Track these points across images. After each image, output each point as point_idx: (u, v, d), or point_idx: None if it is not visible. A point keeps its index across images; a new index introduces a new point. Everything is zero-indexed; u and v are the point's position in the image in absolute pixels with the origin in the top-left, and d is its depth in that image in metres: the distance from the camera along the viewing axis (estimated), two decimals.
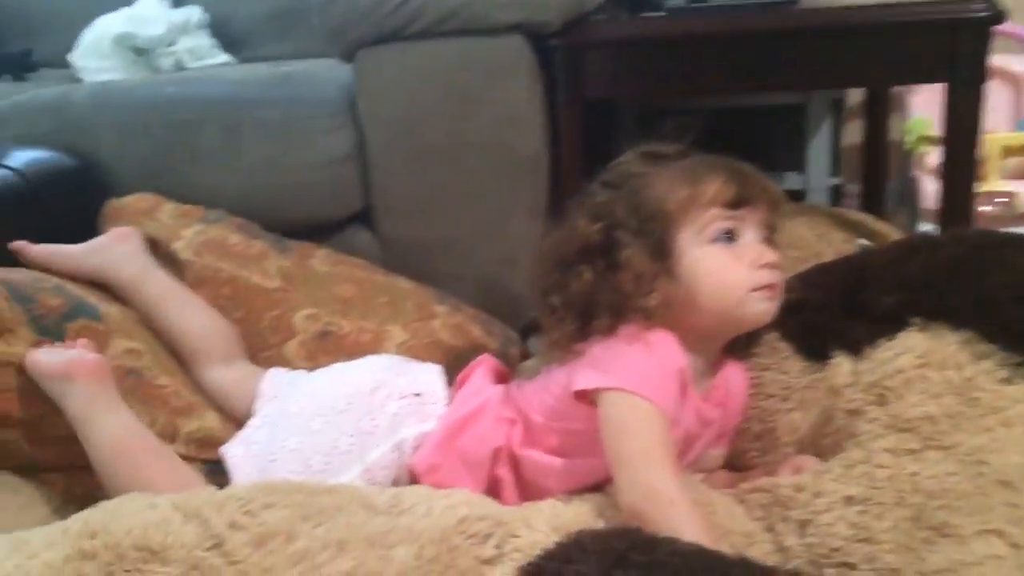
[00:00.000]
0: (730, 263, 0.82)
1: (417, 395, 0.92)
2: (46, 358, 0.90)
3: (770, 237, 0.86)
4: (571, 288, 0.84)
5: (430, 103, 1.25)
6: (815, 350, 0.89)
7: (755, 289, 0.82)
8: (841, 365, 0.85)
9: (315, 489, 0.75)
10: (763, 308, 0.84)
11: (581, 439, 0.82)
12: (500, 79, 1.23)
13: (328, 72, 1.35)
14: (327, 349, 1.08)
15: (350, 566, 0.67)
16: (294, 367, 1.06)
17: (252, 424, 0.95)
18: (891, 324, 0.83)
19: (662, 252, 0.82)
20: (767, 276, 0.83)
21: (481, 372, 0.96)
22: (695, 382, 0.85)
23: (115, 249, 1.08)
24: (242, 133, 1.25)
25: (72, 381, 0.88)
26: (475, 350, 1.16)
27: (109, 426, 0.88)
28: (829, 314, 0.89)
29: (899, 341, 0.82)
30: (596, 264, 0.83)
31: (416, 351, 1.11)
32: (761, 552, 0.75)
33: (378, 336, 1.11)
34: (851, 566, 0.69)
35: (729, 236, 0.83)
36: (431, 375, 0.96)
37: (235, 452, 0.92)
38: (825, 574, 0.71)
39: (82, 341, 0.93)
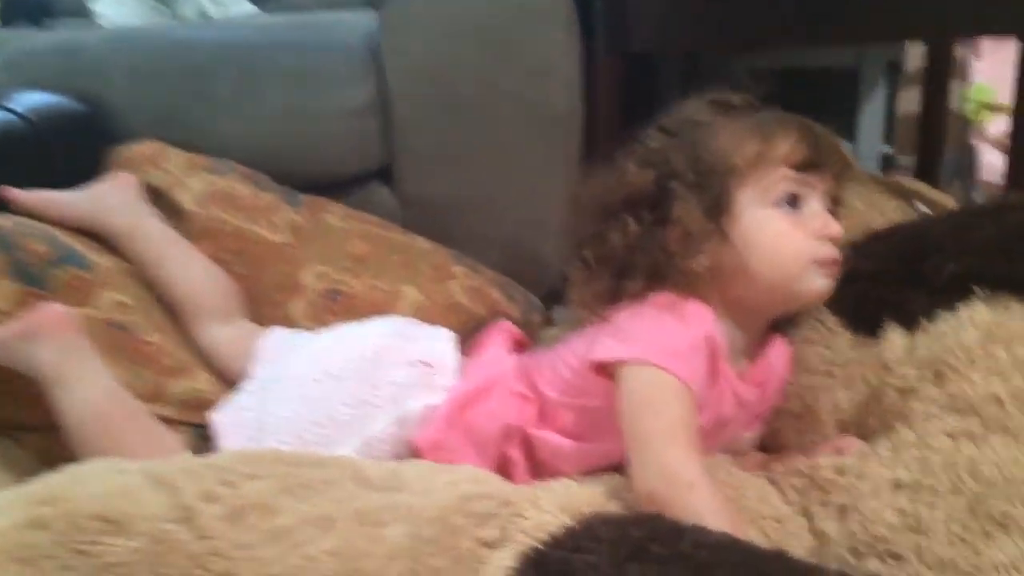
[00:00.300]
0: (792, 230, 0.75)
1: (426, 364, 0.85)
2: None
3: (835, 209, 0.80)
4: (610, 241, 0.77)
5: (459, 52, 1.18)
6: (865, 323, 0.81)
7: (816, 262, 0.76)
8: (893, 339, 0.77)
9: (303, 460, 0.69)
10: (821, 285, 0.77)
11: (598, 418, 0.75)
12: (535, 26, 1.16)
13: (352, 19, 1.28)
14: (335, 310, 1.02)
15: (334, 545, 0.61)
16: (299, 327, 0.99)
17: (244, 388, 0.88)
18: (952, 295, 0.75)
19: (719, 209, 0.75)
20: (829, 250, 0.76)
21: (497, 340, 0.90)
22: (733, 359, 0.78)
23: (111, 197, 1.02)
24: (258, 80, 1.18)
25: (36, 339, 0.81)
26: (494, 316, 1.09)
27: (82, 389, 0.80)
28: (883, 284, 0.81)
29: (961, 313, 0.74)
30: (642, 216, 0.76)
31: (431, 314, 1.04)
32: (795, 539, 0.68)
33: (391, 297, 1.04)
34: (897, 557, 0.62)
35: (793, 201, 0.76)
36: (443, 342, 0.89)
37: (223, 418, 0.85)
38: (868, 565, 0.63)
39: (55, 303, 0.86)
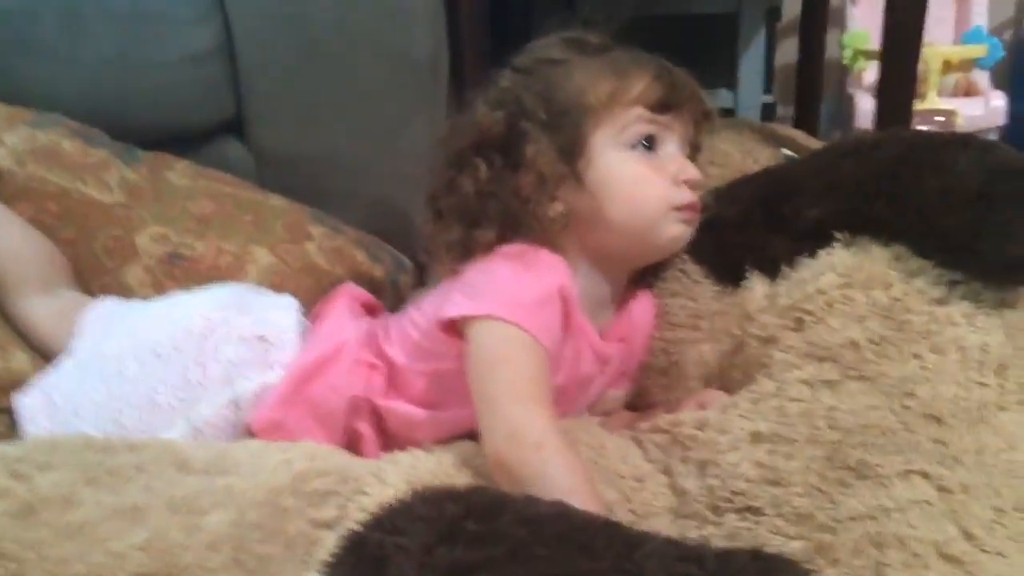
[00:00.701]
0: (649, 174, 0.72)
1: (261, 339, 0.77)
2: None
3: (693, 155, 0.77)
4: (461, 188, 0.72)
5: None
6: (728, 272, 0.78)
7: (673, 207, 0.73)
8: (755, 288, 0.74)
9: (112, 445, 0.63)
10: (679, 232, 0.74)
11: (451, 383, 0.70)
12: None
13: None
14: (176, 275, 0.92)
15: (143, 539, 0.55)
16: (136, 296, 0.90)
17: (60, 367, 0.79)
18: (814, 240, 0.73)
19: (573, 152, 0.71)
20: (687, 194, 0.73)
21: (340, 306, 0.83)
22: (593, 314, 0.74)
23: None
24: (86, 22, 1.06)
25: None
26: (357, 278, 1.02)
27: None
28: (745, 231, 0.78)
29: (822, 259, 0.71)
30: (493, 160, 0.72)
31: (284, 277, 0.96)
32: (656, 498, 0.65)
33: (239, 260, 0.95)
34: (756, 511, 0.60)
35: (649, 144, 0.73)
36: (284, 311, 0.82)
37: (30, 401, 0.76)
38: (727, 520, 0.61)
39: None
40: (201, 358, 0.74)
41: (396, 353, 0.75)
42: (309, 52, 1.11)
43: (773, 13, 1.75)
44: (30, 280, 0.85)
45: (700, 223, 0.77)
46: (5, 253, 0.86)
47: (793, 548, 0.56)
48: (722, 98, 1.74)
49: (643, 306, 0.80)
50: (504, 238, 0.71)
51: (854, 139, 0.78)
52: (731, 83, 1.74)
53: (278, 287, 0.95)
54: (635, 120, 0.72)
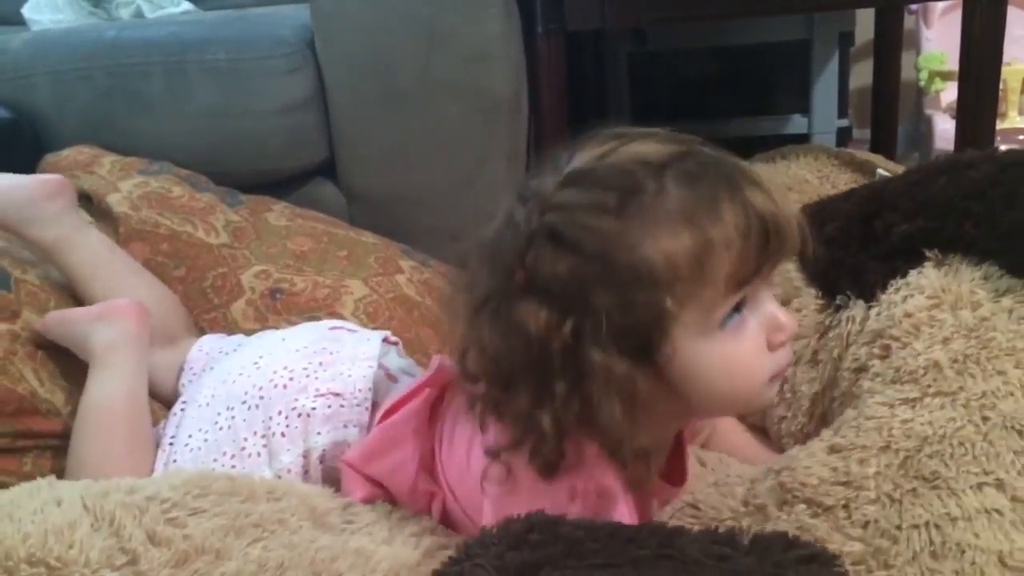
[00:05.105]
0: (745, 356, 0.57)
1: (336, 394, 0.75)
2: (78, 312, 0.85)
3: (772, 282, 0.60)
4: (515, 407, 0.57)
5: (395, 40, 1.15)
6: (828, 288, 0.80)
7: (772, 379, 0.59)
8: (854, 315, 0.76)
9: (255, 491, 0.65)
10: (772, 395, 0.62)
11: None
12: (471, 10, 1.13)
13: (287, 12, 1.25)
14: (277, 308, 0.98)
15: None
16: (242, 331, 0.96)
17: (172, 410, 0.81)
18: (904, 258, 0.74)
19: (649, 349, 0.55)
20: (783, 358, 0.59)
21: (411, 411, 0.71)
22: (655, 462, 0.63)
23: (37, 206, 0.93)
24: (188, 78, 1.15)
25: (104, 320, 0.82)
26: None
27: (114, 379, 0.79)
28: (844, 248, 0.79)
29: (912, 280, 0.72)
30: (554, 387, 0.55)
31: (377, 307, 1.01)
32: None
33: (336, 292, 1.01)
34: (825, 508, 0.60)
35: (739, 307, 0.57)
36: (362, 364, 0.77)
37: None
38: (793, 513, 0.61)
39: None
40: (284, 409, 0.75)
41: (450, 488, 0.68)
42: (395, 98, 1.17)
43: (846, 38, 1.75)
44: (156, 336, 0.88)
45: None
46: None
47: (851, 549, 0.57)
48: (796, 124, 1.75)
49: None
50: (554, 459, 0.57)
51: (949, 158, 0.78)
52: (805, 108, 1.74)
53: (372, 316, 0.99)
54: (727, 295, 0.55)
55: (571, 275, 0.54)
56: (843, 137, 1.79)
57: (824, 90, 1.70)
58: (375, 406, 0.75)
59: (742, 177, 0.55)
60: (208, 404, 0.77)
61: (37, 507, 0.56)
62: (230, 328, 0.97)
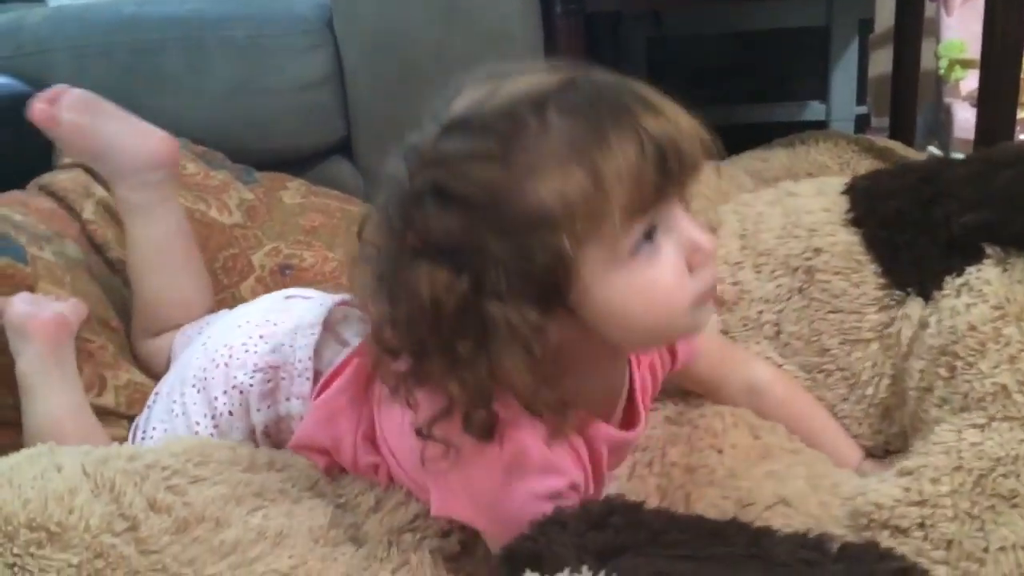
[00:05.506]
0: (661, 281, 0.53)
1: (274, 368, 0.71)
2: (18, 307, 0.78)
3: (687, 203, 0.56)
4: (426, 367, 0.54)
5: (413, 18, 1.15)
6: (890, 272, 0.77)
7: (695, 302, 0.55)
8: (910, 315, 0.74)
9: (256, 460, 0.65)
10: (703, 318, 0.57)
11: None
12: None
13: None
14: (286, 284, 0.98)
15: (288, 564, 0.57)
16: None
17: (147, 403, 0.79)
18: (962, 254, 0.71)
19: (557, 295, 0.52)
20: (706, 278, 0.55)
21: (346, 380, 0.68)
22: (605, 406, 0.63)
23: (143, 172, 0.87)
24: (207, 54, 1.15)
25: (26, 339, 0.77)
26: None
27: (48, 402, 0.76)
28: (902, 231, 0.76)
29: (972, 281, 0.70)
30: (456, 347, 0.52)
31: None
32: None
33: (343, 265, 1.01)
34: (902, 531, 0.59)
35: (651, 233, 0.53)
36: (304, 332, 0.72)
37: (129, 434, 0.78)
38: (866, 537, 0.60)
39: (73, 301, 0.83)
40: (226, 387, 0.72)
41: (391, 452, 0.66)
42: (412, 76, 1.17)
43: (865, 24, 1.73)
44: (180, 324, 0.87)
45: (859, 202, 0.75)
46: (174, 300, 0.88)
47: (937, 574, 0.56)
48: (814, 110, 1.74)
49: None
50: (486, 422, 0.54)
51: (1016, 150, 0.75)
52: (823, 95, 1.73)
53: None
54: (629, 224, 0.51)
55: (462, 230, 0.51)
56: (861, 124, 1.77)
57: (843, 77, 1.69)
58: (319, 375, 0.71)
59: (633, 101, 0.51)
60: (168, 393, 0.76)
61: (37, 473, 0.56)
62: (238, 304, 0.96)
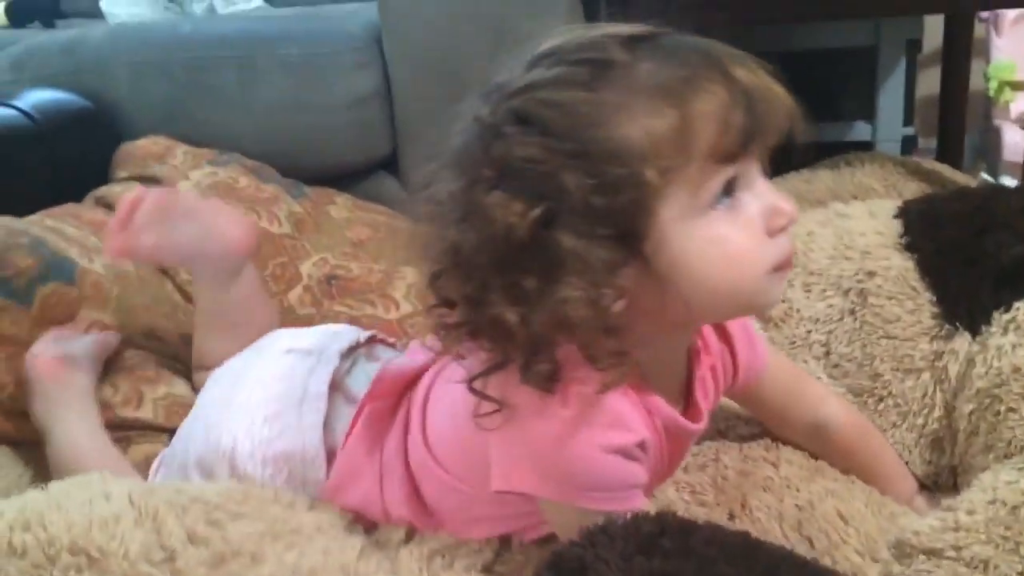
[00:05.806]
0: (740, 240, 0.52)
1: (284, 457, 0.68)
2: (40, 348, 0.81)
3: (767, 171, 0.55)
4: (486, 313, 0.52)
5: (462, 38, 1.16)
6: (943, 300, 0.76)
7: (775, 269, 0.54)
8: (957, 350, 0.73)
9: (296, 501, 0.66)
10: (776, 290, 0.56)
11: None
12: (538, 10, 1.13)
13: (355, 9, 1.28)
14: (332, 294, 1.00)
15: None
16: (297, 315, 0.98)
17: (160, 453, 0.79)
18: (1011, 288, 0.71)
19: (634, 238, 0.50)
20: (785, 246, 0.54)
21: (358, 434, 0.67)
22: (668, 385, 0.61)
23: (220, 275, 0.85)
24: (259, 72, 1.17)
25: (32, 378, 0.79)
26: None
27: (62, 435, 0.77)
28: (955, 261, 0.76)
29: (1018, 317, 0.69)
30: (523, 282, 0.50)
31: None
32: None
33: (388, 276, 1.02)
34: (935, 552, 0.58)
35: (730, 188, 0.52)
36: (311, 409, 0.69)
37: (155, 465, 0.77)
38: (914, 563, 0.59)
39: (103, 335, 0.85)
40: (232, 474, 0.69)
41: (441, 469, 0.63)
42: (460, 95, 1.18)
43: (913, 44, 1.71)
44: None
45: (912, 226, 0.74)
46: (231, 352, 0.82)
47: None
48: (860, 130, 1.72)
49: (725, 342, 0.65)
50: (551, 377, 0.53)
51: None
52: (869, 115, 1.71)
53: (423, 301, 1.00)
54: (713, 170, 0.51)
55: (541, 157, 0.49)
56: (908, 146, 1.75)
57: (890, 97, 1.67)
58: (333, 453, 0.68)
59: (722, 52, 0.52)
60: (172, 469, 0.74)
61: (86, 499, 0.57)
62: (286, 314, 0.98)
